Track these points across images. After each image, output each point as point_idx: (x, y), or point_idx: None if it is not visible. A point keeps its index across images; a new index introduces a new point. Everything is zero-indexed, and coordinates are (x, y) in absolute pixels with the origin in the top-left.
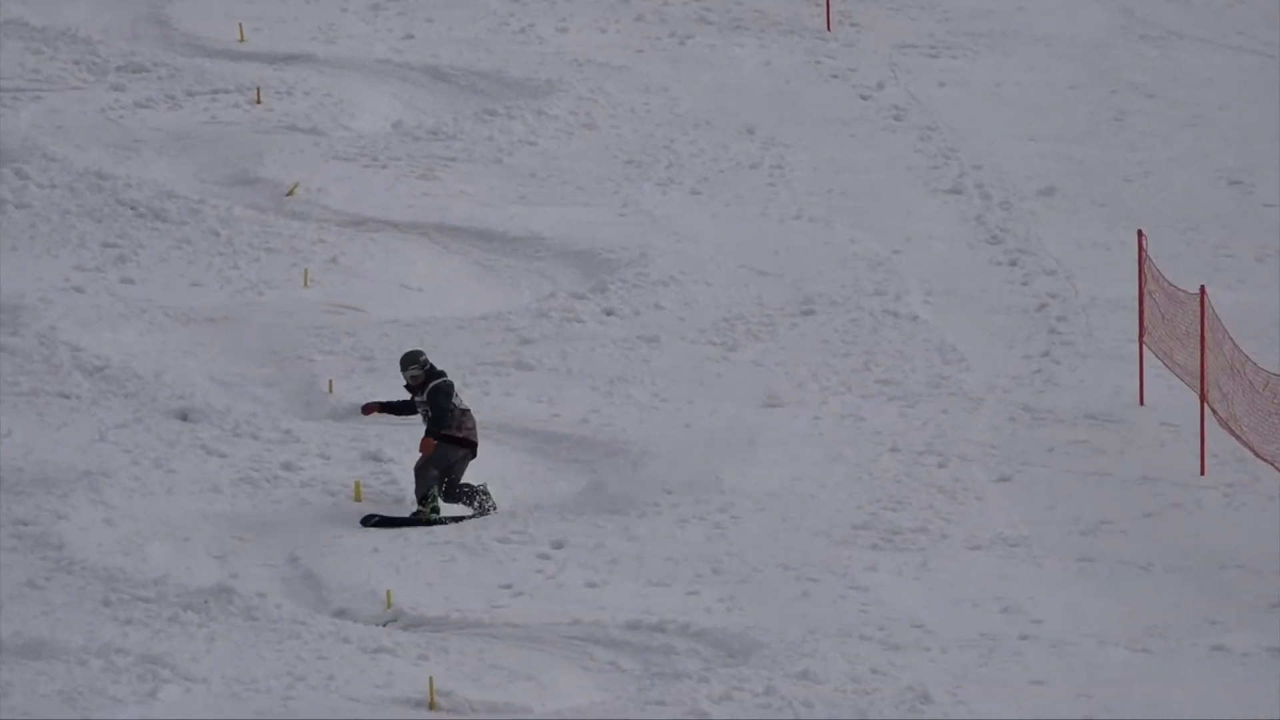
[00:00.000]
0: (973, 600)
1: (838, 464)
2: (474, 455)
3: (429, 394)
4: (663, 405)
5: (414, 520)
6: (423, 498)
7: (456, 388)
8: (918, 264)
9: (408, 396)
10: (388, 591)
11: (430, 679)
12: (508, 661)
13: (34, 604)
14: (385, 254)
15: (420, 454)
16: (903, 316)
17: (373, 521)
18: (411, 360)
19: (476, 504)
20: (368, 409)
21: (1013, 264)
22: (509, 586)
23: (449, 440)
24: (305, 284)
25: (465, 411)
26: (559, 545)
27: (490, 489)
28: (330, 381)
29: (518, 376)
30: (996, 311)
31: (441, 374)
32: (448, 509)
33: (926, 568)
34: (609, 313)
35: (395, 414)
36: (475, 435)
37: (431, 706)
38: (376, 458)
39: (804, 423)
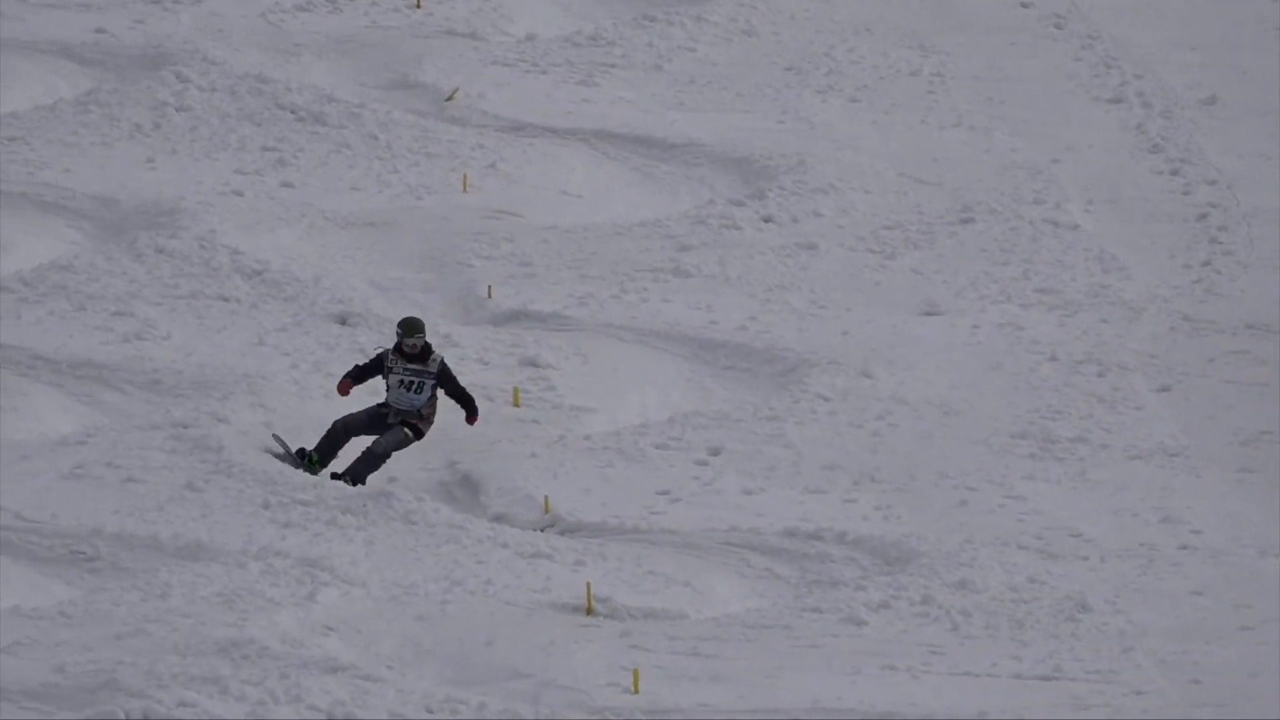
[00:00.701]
0: (1132, 510)
1: (996, 373)
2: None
3: (440, 372)
4: (820, 313)
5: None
6: (304, 454)
7: None
8: (1078, 173)
9: (372, 359)
10: (545, 497)
11: (588, 585)
12: (664, 568)
13: (193, 507)
14: (544, 160)
15: (407, 434)
16: (1062, 225)
17: (340, 478)
18: (417, 329)
19: (355, 471)
20: (343, 388)
21: (1174, 173)
22: (666, 493)
23: (429, 415)
24: (464, 189)
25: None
26: (716, 452)
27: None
28: (489, 287)
29: (676, 283)
30: (1157, 220)
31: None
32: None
33: (1085, 477)
34: (767, 220)
35: (367, 378)
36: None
37: (589, 612)
38: (535, 363)
39: (962, 331)
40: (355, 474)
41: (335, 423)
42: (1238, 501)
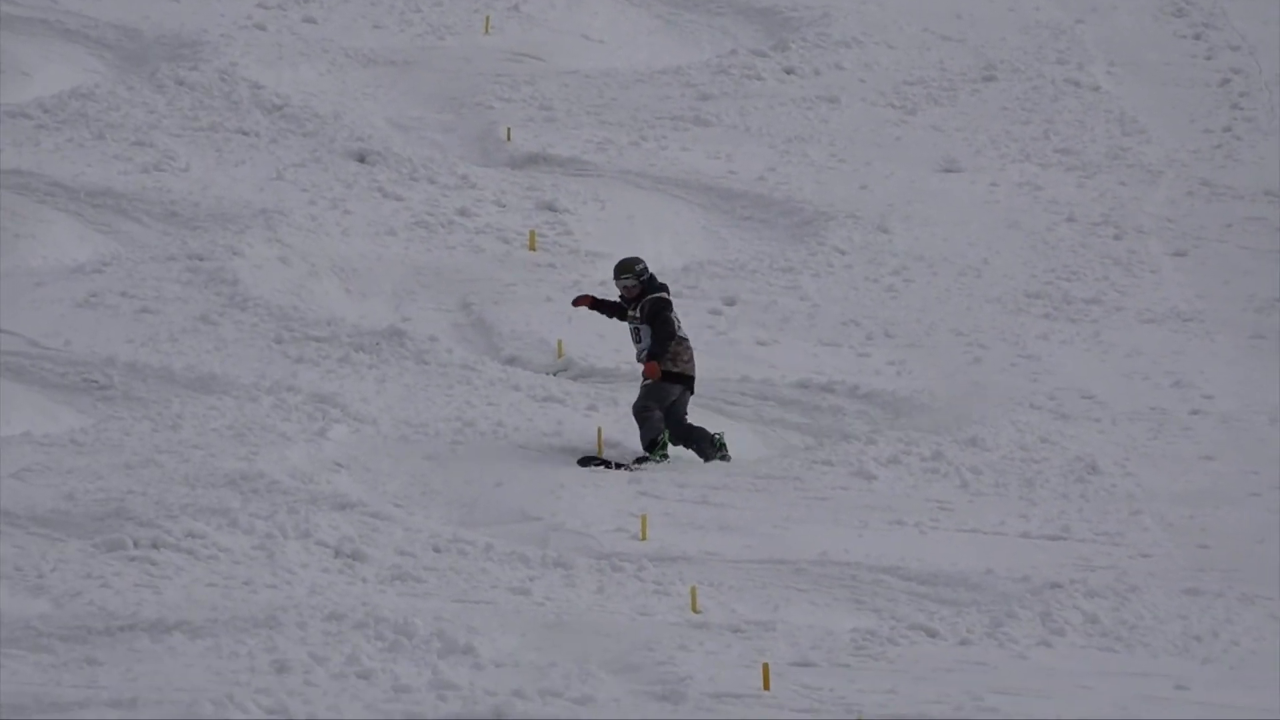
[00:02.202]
0: (1144, 373)
1: (1013, 232)
2: (691, 391)
3: (647, 313)
4: (840, 166)
5: (638, 463)
6: (650, 444)
7: (675, 308)
8: (1101, 34)
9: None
10: (559, 341)
11: (599, 430)
12: None
13: (207, 339)
14: (566, 4)
15: (642, 381)
16: (1084, 86)
17: (593, 463)
18: (626, 269)
19: (708, 455)
20: (579, 301)
21: (1197, 38)
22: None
23: (665, 377)
24: (486, 30)
25: (682, 340)
26: (731, 302)
27: (727, 441)
28: (508, 129)
29: (695, 132)
30: (1179, 85)
31: (662, 287)
32: (674, 450)
33: (1099, 339)
34: (789, 71)
35: (606, 314)
36: (692, 368)
37: (599, 456)
38: (552, 207)
39: (981, 189)
40: (648, 443)
41: (652, 416)
42: (1250, 367)
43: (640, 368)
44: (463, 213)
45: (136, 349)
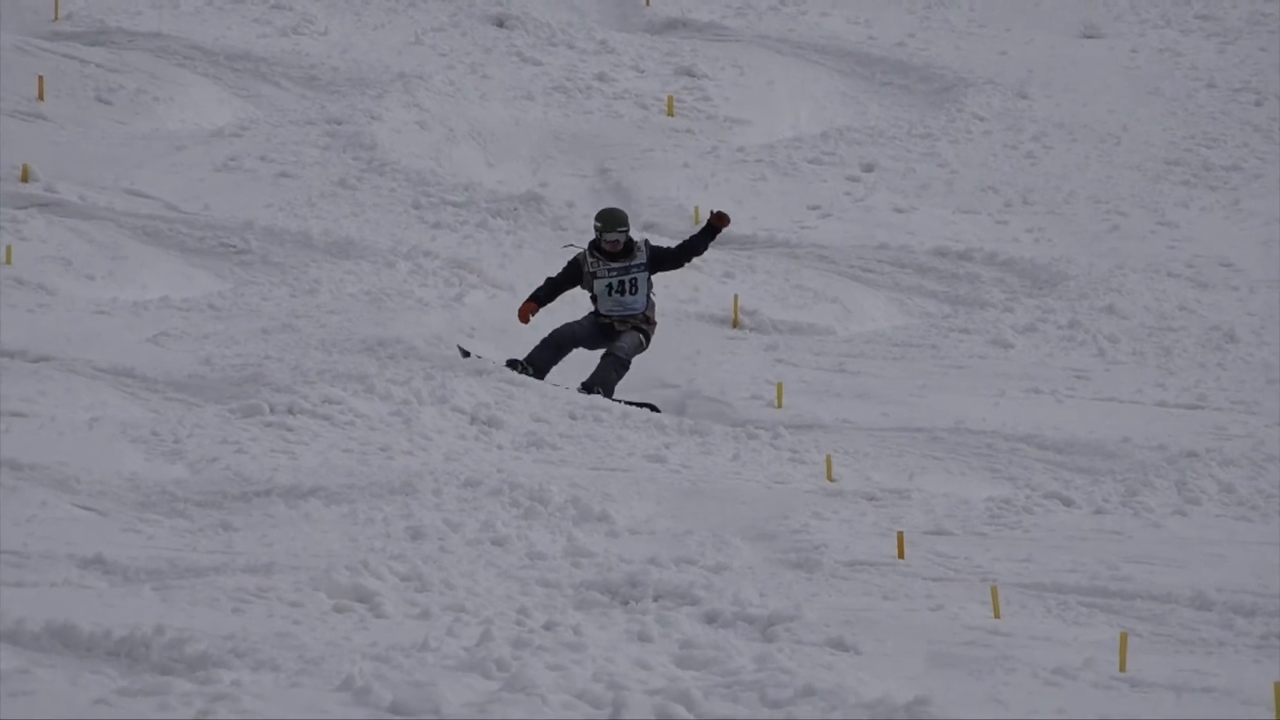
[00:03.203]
0: None
1: (1153, 98)
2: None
3: (652, 256)
4: (979, 31)
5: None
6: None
7: None
8: None
9: (565, 267)
10: (695, 208)
11: (735, 297)
12: (812, 283)
13: (344, 203)
14: None
15: (721, 225)
16: None
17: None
18: (620, 221)
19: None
20: (525, 311)
21: None
22: (817, 208)
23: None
24: None
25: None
26: (869, 168)
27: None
28: None
29: None
30: None
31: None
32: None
33: (1238, 206)
34: None
35: (554, 298)
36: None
37: (735, 324)
38: (691, 73)
39: (1121, 55)
40: (604, 383)
41: (554, 331)
42: None
43: (631, 321)
44: (601, 78)
45: (274, 214)
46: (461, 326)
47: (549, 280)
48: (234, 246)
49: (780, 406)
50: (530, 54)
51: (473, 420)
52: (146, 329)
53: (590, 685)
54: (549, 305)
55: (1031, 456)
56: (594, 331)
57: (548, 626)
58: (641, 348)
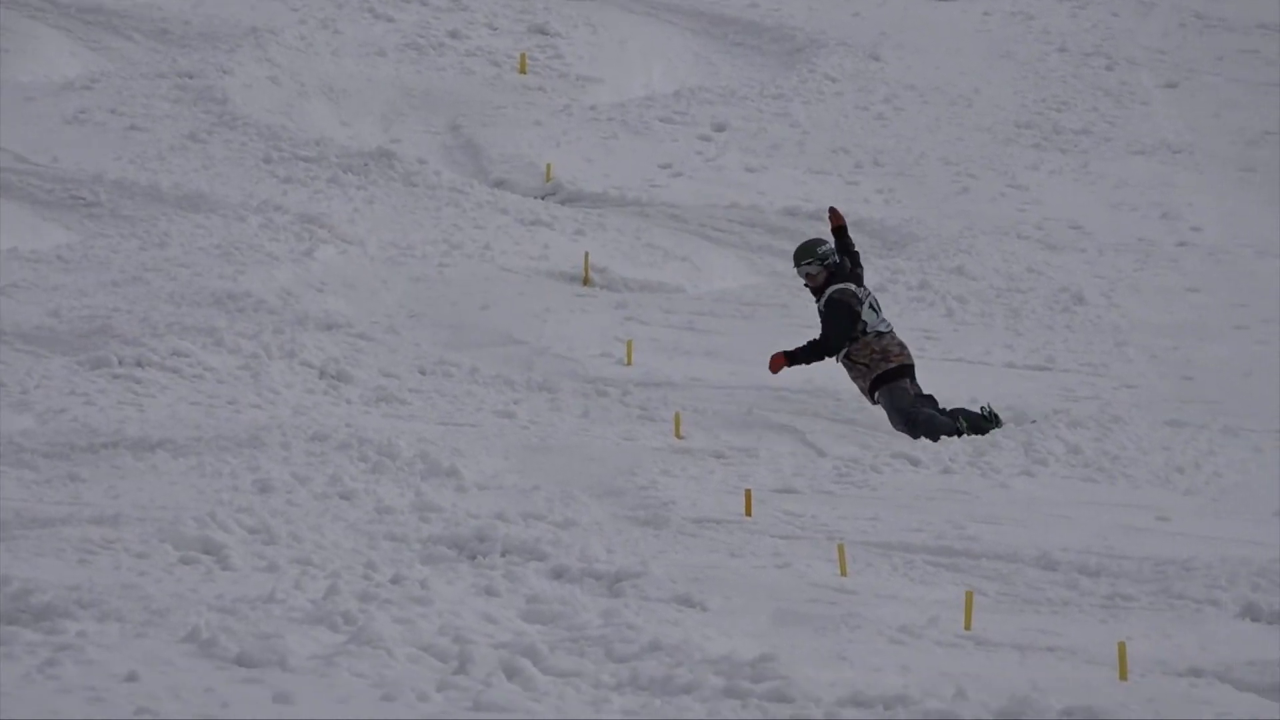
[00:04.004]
0: (1132, 204)
1: (1005, 61)
2: (913, 379)
3: (824, 303)
4: None
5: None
6: (954, 431)
7: (871, 296)
8: None
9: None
10: (548, 165)
11: (585, 254)
12: (663, 241)
13: (195, 157)
14: None
15: (770, 370)
16: None
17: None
18: (806, 253)
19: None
20: (775, 364)
21: None
22: (668, 166)
23: (886, 376)
24: None
25: (881, 335)
26: (720, 128)
27: (996, 411)
28: None
29: None
30: None
31: (847, 273)
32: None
33: (1088, 170)
34: None
35: (807, 360)
36: (908, 356)
37: (585, 282)
38: (544, 30)
39: (973, 18)
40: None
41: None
42: (1238, 200)
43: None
44: (454, 34)
45: (124, 166)
46: (311, 281)
47: (802, 348)
48: (83, 199)
49: (630, 364)
50: (382, 10)
51: (321, 374)
52: None
53: (437, 639)
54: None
55: (879, 416)
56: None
57: (395, 580)
58: (897, 408)
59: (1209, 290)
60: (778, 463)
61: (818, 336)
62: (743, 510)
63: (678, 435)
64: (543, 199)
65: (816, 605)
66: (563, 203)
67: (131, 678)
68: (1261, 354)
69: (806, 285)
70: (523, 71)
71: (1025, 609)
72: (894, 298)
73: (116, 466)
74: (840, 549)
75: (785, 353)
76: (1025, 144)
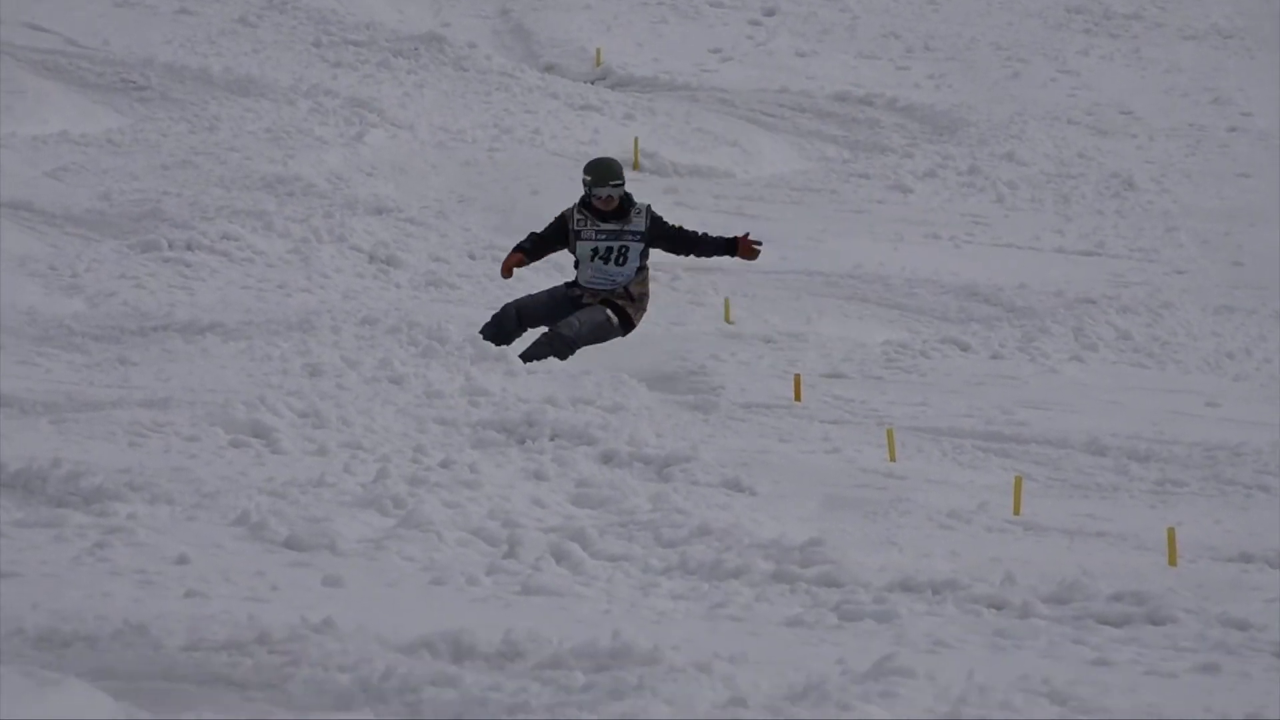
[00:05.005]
0: (1183, 90)
1: None
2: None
3: (651, 226)
4: None
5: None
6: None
7: None
8: None
9: (551, 222)
10: (598, 49)
11: (635, 139)
12: (713, 126)
13: (245, 41)
14: None
15: (745, 257)
16: None
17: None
18: (613, 173)
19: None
20: (509, 264)
21: None
22: (718, 51)
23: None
24: None
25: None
26: (771, 12)
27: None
28: None
29: None
30: None
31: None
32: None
33: (1139, 55)
34: None
35: (541, 257)
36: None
37: (635, 166)
38: None
39: None
40: (531, 355)
41: (506, 305)
42: None
43: (605, 295)
44: None
45: (175, 50)
46: (361, 165)
47: (532, 235)
48: (134, 83)
49: None
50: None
51: (371, 259)
52: (45, 163)
53: (486, 522)
54: (535, 265)
55: (929, 301)
56: (553, 305)
57: (444, 464)
58: (608, 328)
59: (1260, 175)
60: (826, 348)
61: (693, 234)
62: (792, 395)
63: (728, 320)
64: (592, 83)
65: (865, 490)
66: (612, 87)
67: (182, 560)
68: None
69: (601, 206)
70: None
71: (1074, 494)
72: (943, 183)
73: (167, 350)
74: (889, 434)
75: (733, 241)
76: (1076, 29)
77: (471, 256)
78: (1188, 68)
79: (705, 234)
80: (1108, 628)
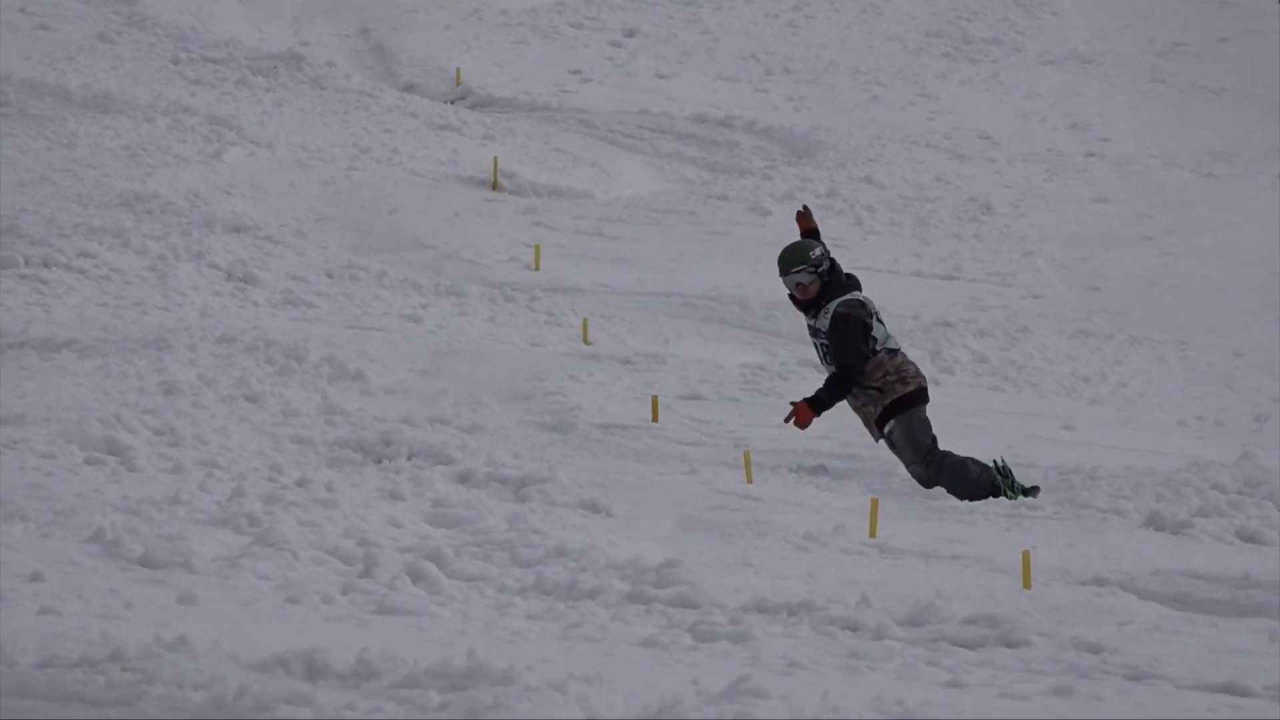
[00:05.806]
0: (1041, 115)
1: None
2: (925, 401)
3: (830, 323)
4: None
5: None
6: (985, 488)
7: (875, 308)
8: None
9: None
10: (457, 69)
11: (495, 159)
12: (572, 147)
13: (104, 58)
14: None
15: (795, 425)
16: None
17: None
18: (796, 259)
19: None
20: (804, 418)
21: None
22: (578, 72)
23: (902, 402)
24: None
25: (894, 352)
26: (631, 34)
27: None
28: None
29: None
30: None
31: (847, 281)
32: None
33: (998, 80)
34: None
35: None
36: (920, 378)
37: (494, 187)
38: None
39: None
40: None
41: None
42: (1147, 111)
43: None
44: None
45: (33, 66)
46: (219, 183)
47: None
48: None
49: (538, 269)
50: None
51: (229, 277)
52: None
53: (342, 541)
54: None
55: (787, 324)
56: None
57: (300, 483)
58: (913, 442)
59: (1117, 201)
60: (684, 369)
61: (835, 370)
62: (649, 416)
63: (585, 341)
64: (452, 103)
65: (722, 512)
66: (472, 107)
67: (36, 577)
68: (1168, 265)
69: (794, 298)
70: None
71: (930, 517)
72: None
73: (23, 367)
74: (746, 456)
75: (809, 400)
76: (935, 53)
77: (329, 275)
78: (1046, 93)
79: (831, 376)
80: (962, 650)
